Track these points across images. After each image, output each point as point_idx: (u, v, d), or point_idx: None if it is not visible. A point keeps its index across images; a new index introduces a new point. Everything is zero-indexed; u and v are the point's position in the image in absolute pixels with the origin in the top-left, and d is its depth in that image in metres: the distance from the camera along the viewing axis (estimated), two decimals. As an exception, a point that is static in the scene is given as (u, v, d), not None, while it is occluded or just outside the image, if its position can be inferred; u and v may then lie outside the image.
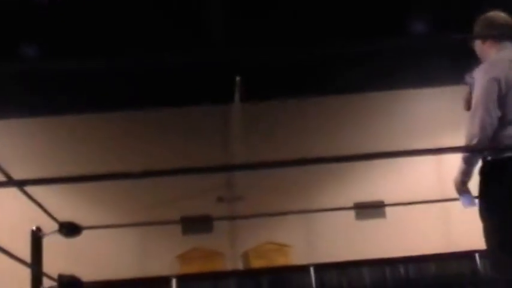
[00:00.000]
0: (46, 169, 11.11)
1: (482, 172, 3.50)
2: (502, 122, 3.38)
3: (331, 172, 11.67)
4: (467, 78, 3.67)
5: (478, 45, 3.79)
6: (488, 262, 3.54)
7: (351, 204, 11.06)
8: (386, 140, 11.73)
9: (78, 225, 4.33)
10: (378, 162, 11.79)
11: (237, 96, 11.35)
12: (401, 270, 11.25)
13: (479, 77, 3.52)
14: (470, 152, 3.57)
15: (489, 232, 3.34)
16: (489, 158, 3.41)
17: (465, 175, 3.55)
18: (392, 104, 12.72)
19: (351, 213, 11.70)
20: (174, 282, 10.71)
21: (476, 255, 10.84)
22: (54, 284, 3.70)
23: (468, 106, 3.61)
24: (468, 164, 3.53)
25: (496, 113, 3.37)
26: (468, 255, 10.77)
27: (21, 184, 3.33)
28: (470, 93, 3.60)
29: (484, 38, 3.69)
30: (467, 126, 3.50)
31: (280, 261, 11.29)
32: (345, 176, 11.82)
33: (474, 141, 3.40)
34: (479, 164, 3.55)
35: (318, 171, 11.50)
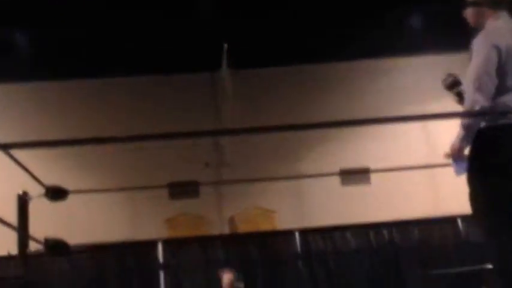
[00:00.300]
0: (34, 134, 11.07)
1: (474, 138, 3.50)
2: (499, 90, 3.38)
3: (317, 139, 11.72)
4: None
5: (473, 14, 3.75)
6: (471, 226, 3.56)
7: (336, 170, 11.12)
8: (372, 107, 11.77)
9: (64, 189, 4.34)
10: (364, 129, 11.85)
11: (224, 63, 11.32)
12: (386, 234, 11.40)
13: (479, 44, 3.50)
14: (463, 117, 3.57)
15: (476, 197, 3.35)
16: (482, 124, 3.41)
17: (464, 141, 3.54)
18: (378, 72, 12.74)
19: (337, 179, 11.78)
20: (160, 246, 10.79)
21: (459, 219, 11.00)
22: (41, 247, 3.71)
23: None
24: (468, 131, 3.52)
25: (495, 81, 3.38)
26: (451, 219, 10.93)
27: (6, 147, 3.30)
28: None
29: (480, 5, 3.66)
30: (467, 92, 3.49)
31: (266, 226, 11.39)
32: (331, 143, 11.87)
33: (476, 107, 3.40)
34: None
35: (304, 138, 11.54)
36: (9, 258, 8.39)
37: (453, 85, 3.91)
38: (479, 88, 3.45)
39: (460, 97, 3.83)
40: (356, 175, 12.11)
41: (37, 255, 8.88)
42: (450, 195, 10.30)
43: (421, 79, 12.43)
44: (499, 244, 3.28)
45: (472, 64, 3.50)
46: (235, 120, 11.27)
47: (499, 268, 3.30)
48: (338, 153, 11.97)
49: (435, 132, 11.30)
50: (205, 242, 11.13)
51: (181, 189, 11.85)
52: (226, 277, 7.39)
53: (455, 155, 3.61)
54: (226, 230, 11.71)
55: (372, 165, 11.27)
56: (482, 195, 3.37)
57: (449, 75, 3.73)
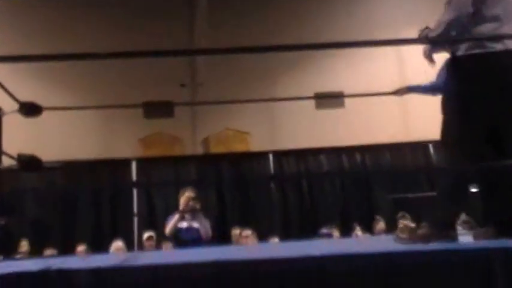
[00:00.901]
0: (7, 49, 10.85)
1: (450, 66, 3.51)
2: (476, 19, 3.36)
3: (293, 61, 11.67)
4: None
5: None
6: (441, 153, 3.60)
7: (311, 93, 11.12)
8: (347, 31, 11.71)
9: (38, 105, 4.27)
10: (339, 53, 11.82)
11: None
12: (358, 157, 11.56)
13: None
14: (430, 43, 3.59)
15: (448, 125, 3.38)
16: (459, 53, 3.41)
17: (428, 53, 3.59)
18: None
19: (311, 103, 11.80)
20: (134, 164, 10.84)
21: (430, 145, 11.17)
22: (14, 162, 3.69)
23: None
24: (429, 55, 3.56)
25: (469, 10, 3.35)
26: (422, 145, 11.10)
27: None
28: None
29: None
30: (443, 12, 3.47)
31: (240, 147, 11.45)
32: (306, 66, 11.83)
33: (437, 32, 3.41)
34: (449, 58, 3.55)
35: (280, 60, 11.48)
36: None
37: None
38: (447, 15, 3.43)
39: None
40: (330, 99, 12.13)
41: (10, 170, 8.87)
42: (421, 121, 10.43)
43: (397, 3, 12.39)
44: (461, 173, 3.34)
45: None
46: (211, 40, 11.14)
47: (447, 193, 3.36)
48: (313, 76, 11.95)
49: (408, 57, 11.32)
50: (179, 161, 11.20)
51: (156, 109, 11.80)
52: (185, 195, 7.41)
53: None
54: (200, 151, 11.75)
55: (347, 90, 11.29)
56: (451, 126, 3.41)
57: (427, 28, 3.68)
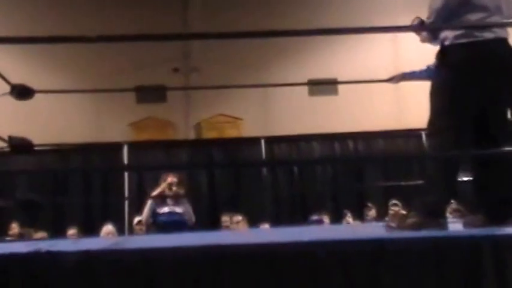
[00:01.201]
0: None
1: (438, 56, 3.52)
2: (466, 8, 3.37)
3: (287, 47, 11.64)
4: None
5: None
6: (429, 141, 3.62)
7: (305, 80, 11.11)
8: (342, 17, 11.66)
9: (30, 88, 4.25)
10: (333, 39, 11.79)
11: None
12: (350, 144, 11.57)
13: None
14: (426, 30, 3.60)
15: (436, 114, 3.40)
16: (447, 42, 3.42)
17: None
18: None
19: (304, 89, 11.80)
20: (125, 148, 10.81)
21: (423, 133, 11.17)
22: (5, 145, 3.68)
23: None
24: (430, 38, 3.59)
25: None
26: (416, 133, 11.09)
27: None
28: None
29: None
30: (430, 3, 3.49)
31: (232, 133, 11.45)
32: (300, 52, 11.80)
33: (430, 20, 3.43)
34: (438, 47, 3.57)
35: (274, 46, 11.45)
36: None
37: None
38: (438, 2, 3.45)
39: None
40: (324, 86, 12.13)
41: (1, 153, 8.87)
42: (415, 109, 10.42)
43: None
44: (450, 161, 3.36)
45: None
46: (205, 25, 11.10)
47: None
48: (307, 63, 11.93)
49: (404, 44, 11.30)
50: (171, 146, 11.18)
51: (149, 93, 11.78)
52: (168, 179, 7.43)
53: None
54: (192, 136, 11.75)
55: (341, 77, 11.28)
56: (435, 115, 3.43)
57: (417, 17, 3.69)
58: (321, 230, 5.05)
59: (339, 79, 11.36)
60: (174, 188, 7.40)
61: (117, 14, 11.64)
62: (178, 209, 7.45)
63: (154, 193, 7.55)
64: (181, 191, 7.50)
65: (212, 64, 11.69)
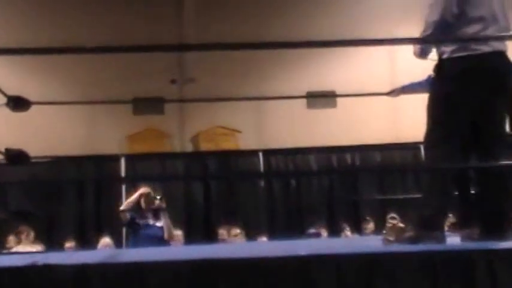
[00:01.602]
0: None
1: (436, 69, 3.52)
2: (462, 20, 3.37)
3: (284, 59, 11.64)
4: None
5: None
6: (426, 155, 3.63)
7: (303, 92, 11.11)
8: (342, 28, 11.64)
9: (26, 99, 4.25)
10: (331, 51, 11.77)
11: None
12: (348, 157, 11.55)
13: None
14: (423, 43, 3.61)
15: (433, 127, 3.41)
16: (444, 56, 3.42)
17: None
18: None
19: (303, 102, 11.79)
20: (123, 160, 10.80)
21: (422, 146, 11.15)
22: (1, 157, 3.67)
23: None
24: (420, 54, 3.59)
25: (454, 11, 3.35)
26: (413, 146, 11.08)
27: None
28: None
29: None
30: (425, 17, 3.49)
31: (229, 145, 11.43)
32: (298, 64, 11.79)
33: (426, 33, 3.44)
34: (435, 61, 3.57)
35: (271, 58, 11.45)
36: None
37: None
38: (432, 15, 3.46)
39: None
40: (322, 99, 12.13)
41: (-3, 164, 8.83)
42: (412, 122, 10.40)
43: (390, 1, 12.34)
44: (446, 175, 3.36)
45: None
46: (202, 35, 11.12)
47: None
48: (305, 75, 11.91)
49: (400, 57, 11.29)
50: (168, 158, 11.17)
51: (146, 105, 11.78)
52: (140, 190, 7.41)
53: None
54: (189, 148, 11.73)
55: (339, 89, 11.26)
56: (431, 129, 3.44)
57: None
58: (319, 243, 5.04)
59: (338, 91, 11.34)
60: (157, 202, 7.39)
61: (113, 25, 11.64)
62: (158, 223, 7.44)
63: (127, 205, 7.52)
64: (163, 205, 7.48)
65: (209, 75, 11.69)
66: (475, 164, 3.47)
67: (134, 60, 10.98)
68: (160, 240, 7.23)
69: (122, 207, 7.56)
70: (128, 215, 7.39)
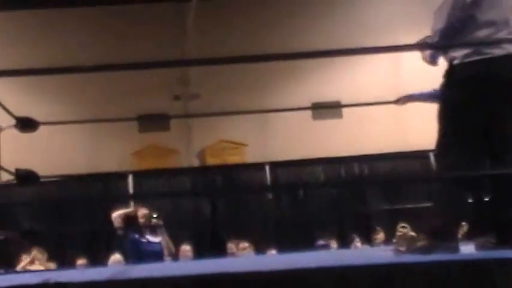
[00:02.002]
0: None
1: (446, 75, 3.48)
2: (471, 25, 3.34)
3: (289, 71, 11.65)
4: None
5: None
6: (437, 162, 3.57)
7: (308, 103, 11.10)
8: (346, 37, 11.62)
9: (35, 120, 4.26)
10: (336, 62, 11.77)
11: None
12: (356, 168, 11.50)
13: None
14: (430, 49, 3.57)
15: (444, 134, 3.36)
16: (455, 61, 3.38)
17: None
18: (350, 1, 12.62)
19: (308, 113, 11.78)
20: (130, 177, 10.80)
21: (431, 154, 11.10)
22: (12, 177, 3.69)
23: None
24: (430, 61, 3.55)
25: (459, 16, 3.33)
26: (422, 154, 11.02)
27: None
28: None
29: None
30: (433, 21, 3.46)
31: (236, 159, 11.42)
32: (303, 75, 11.80)
33: (435, 39, 3.40)
34: (446, 66, 3.53)
35: (275, 70, 11.47)
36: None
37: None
38: (442, 20, 3.42)
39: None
40: (328, 109, 12.11)
41: (7, 185, 8.87)
42: (418, 130, 10.38)
43: (392, 8, 12.34)
44: (459, 183, 3.31)
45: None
46: (204, 50, 11.16)
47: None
48: (310, 86, 11.91)
49: (405, 65, 11.28)
50: (175, 174, 11.15)
51: (151, 122, 11.80)
52: (138, 213, 7.57)
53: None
54: (195, 163, 11.72)
55: (344, 99, 11.25)
56: (442, 136, 3.39)
57: (428, 36, 3.67)
58: (329, 255, 5.01)
59: (343, 102, 11.34)
60: (154, 220, 7.53)
61: (116, 43, 11.69)
62: (156, 239, 7.58)
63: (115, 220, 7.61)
64: (160, 222, 7.62)
65: (213, 89, 11.71)
66: (488, 171, 3.43)
67: (138, 78, 11.01)
68: (159, 255, 7.44)
69: (112, 219, 7.68)
70: (121, 232, 7.56)
